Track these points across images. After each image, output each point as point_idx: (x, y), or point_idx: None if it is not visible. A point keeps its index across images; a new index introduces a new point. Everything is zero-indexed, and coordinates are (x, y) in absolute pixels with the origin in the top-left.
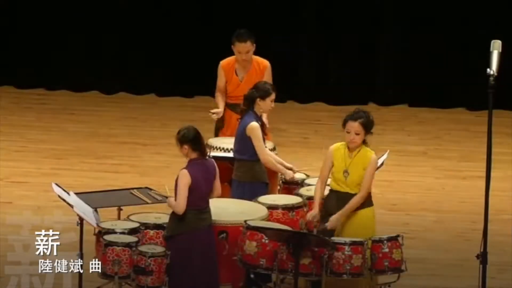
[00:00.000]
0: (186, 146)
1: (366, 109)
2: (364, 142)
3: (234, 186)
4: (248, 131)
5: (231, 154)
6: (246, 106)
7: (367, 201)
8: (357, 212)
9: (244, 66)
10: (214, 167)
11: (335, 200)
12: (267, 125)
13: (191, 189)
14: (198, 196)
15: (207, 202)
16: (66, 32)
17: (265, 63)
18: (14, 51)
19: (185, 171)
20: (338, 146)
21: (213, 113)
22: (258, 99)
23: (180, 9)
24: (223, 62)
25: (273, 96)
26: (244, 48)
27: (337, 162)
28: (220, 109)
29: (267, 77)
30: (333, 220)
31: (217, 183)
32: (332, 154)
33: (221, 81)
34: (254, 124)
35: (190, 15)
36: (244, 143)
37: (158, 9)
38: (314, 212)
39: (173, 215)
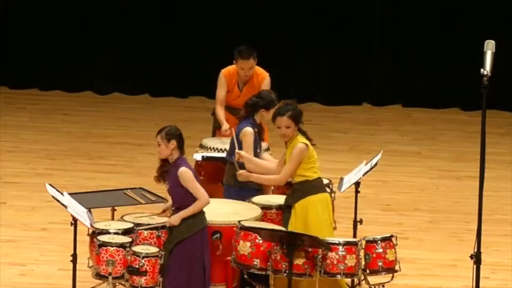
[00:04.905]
0: (174, 142)
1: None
2: (301, 132)
3: (225, 190)
4: (241, 135)
5: (224, 154)
6: (247, 113)
7: (319, 187)
8: (310, 197)
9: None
10: None
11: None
12: (265, 129)
13: None
14: None
15: None
16: (59, 32)
17: (264, 75)
18: (7, 52)
19: (185, 168)
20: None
21: (226, 130)
22: (262, 110)
23: (174, 10)
24: (225, 72)
25: (277, 106)
26: (247, 65)
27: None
28: (227, 124)
29: (265, 88)
30: (243, 173)
31: None
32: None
33: (222, 91)
34: (248, 130)
35: (184, 16)
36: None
37: (152, 9)
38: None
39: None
